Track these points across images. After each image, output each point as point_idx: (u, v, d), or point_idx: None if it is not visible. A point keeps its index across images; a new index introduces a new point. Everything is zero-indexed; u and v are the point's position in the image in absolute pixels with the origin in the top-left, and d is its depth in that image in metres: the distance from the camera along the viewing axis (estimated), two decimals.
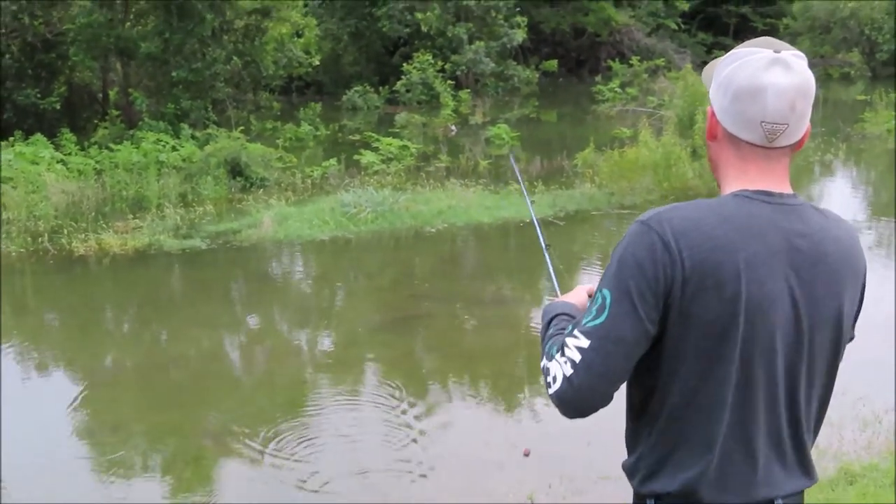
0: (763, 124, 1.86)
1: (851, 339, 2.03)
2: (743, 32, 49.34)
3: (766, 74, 1.84)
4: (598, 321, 1.86)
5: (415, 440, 6.40)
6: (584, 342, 1.86)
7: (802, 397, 1.93)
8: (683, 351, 1.86)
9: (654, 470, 1.97)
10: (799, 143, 1.93)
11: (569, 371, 1.88)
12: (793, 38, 46.61)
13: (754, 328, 1.83)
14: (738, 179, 1.92)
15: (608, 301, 1.86)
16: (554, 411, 6.48)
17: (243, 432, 6.55)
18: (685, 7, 45.72)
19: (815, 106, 1.92)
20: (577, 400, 1.89)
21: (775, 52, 1.87)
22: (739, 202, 1.88)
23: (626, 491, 5.86)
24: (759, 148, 1.90)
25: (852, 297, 1.95)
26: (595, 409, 1.91)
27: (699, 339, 1.84)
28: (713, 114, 1.95)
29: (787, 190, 1.92)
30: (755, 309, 1.82)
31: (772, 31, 48.44)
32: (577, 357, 1.87)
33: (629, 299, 1.84)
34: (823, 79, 37.65)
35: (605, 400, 1.90)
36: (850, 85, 36.75)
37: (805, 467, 1.98)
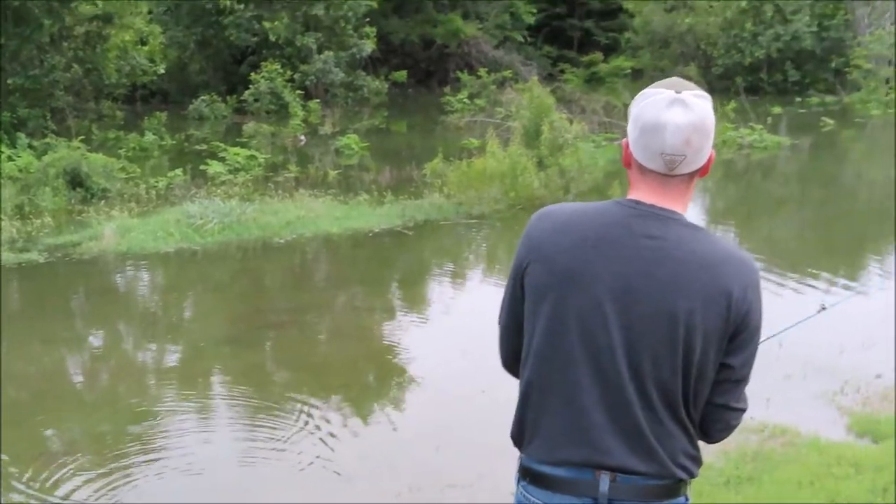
0: (663, 156, 2.11)
1: (733, 372, 2.19)
2: (586, 46, 50.76)
3: (666, 113, 2.09)
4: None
5: (259, 453, 6.30)
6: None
7: (650, 384, 2.11)
8: (526, 309, 2.25)
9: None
10: (703, 170, 2.19)
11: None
12: (634, 52, 48.22)
13: (569, 295, 2.15)
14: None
15: None
16: (404, 419, 6.50)
17: (82, 451, 6.34)
18: (531, 21, 46.69)
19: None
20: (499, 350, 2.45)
21: (676, 92, 2.10)
22: (606, 204, 2.21)
23: (471, 499, 5.90)
24: (661, 175, 2.15)
25: (709, 310, 2.10)
26: (508, 360, 2.42)
27: (529, 301, 2.23)
28: (627, 145, 2.20)
29: (672, 207, 2.17)
30: (573, 280, 2.14)
31: (614, 46, 49.94)
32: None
33: (512, 271, 2.31)
34: None
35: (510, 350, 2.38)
36: None
37: (651, 455, 2.12)
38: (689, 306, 2.08)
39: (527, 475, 2.23)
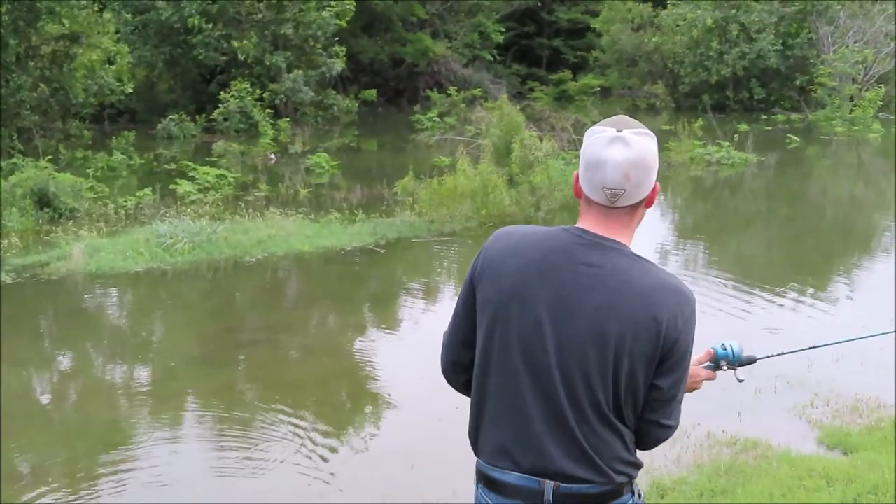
0: (604, 189, 2.26)
1: (662, 392, 2.34)
2: (555, 64, 51.11)
3: (607, 150, 2.24)
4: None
5: (231, 469, 6.27)
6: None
7: (583, 399, 2.27)
8: (478, 324, 2.40)
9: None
10: (647, 202, 2.34)
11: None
12: (602, 70, 48.57)
13: (514, 314, 2.30)
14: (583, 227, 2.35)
15: None
16: (378, 436, 6.49)
17: (55, 474, 6.28)
18: (500, 39, 46.95)
19: None
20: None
21: (618, 130, 2.25)
22: (555, 230, 2.35)
23: None
24: (604, 207, 2.30)
25: (638, 335, 2.25)
26: (447, 368, 2.56)
27: (480, 316, 2.38)
28: (577, 177, 2.36)
29: (614, 237, 2.31)
30: (517, 299, 2.30)
31: (583, 64, 50.30)
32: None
33: (464, 284, 2.46)
34: (631, 109, 39.30)
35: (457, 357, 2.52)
36: (655, 115, 38.46)
37: (589, 462, 2.28)
38: (619, 330, 2.24)
39: (481, 478, 2.41)
